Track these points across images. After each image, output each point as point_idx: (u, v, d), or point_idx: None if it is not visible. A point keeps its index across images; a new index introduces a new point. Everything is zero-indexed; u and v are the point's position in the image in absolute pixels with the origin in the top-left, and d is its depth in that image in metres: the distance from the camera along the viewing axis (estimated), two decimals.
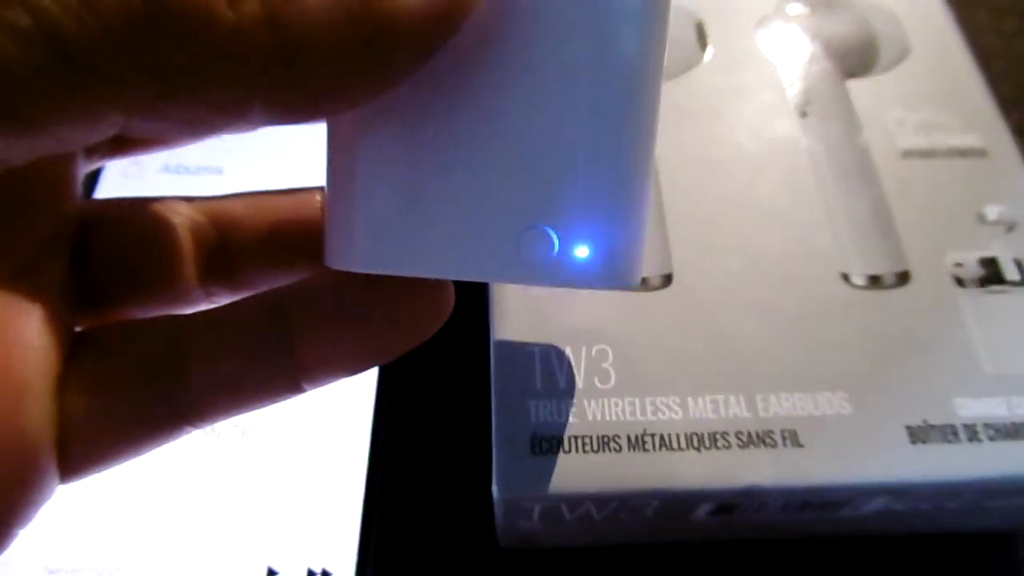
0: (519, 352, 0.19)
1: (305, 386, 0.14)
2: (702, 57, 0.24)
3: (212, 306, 0.15)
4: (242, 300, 0.14)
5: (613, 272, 0.13)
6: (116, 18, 0.09)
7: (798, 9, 0.26)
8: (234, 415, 0.14)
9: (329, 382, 0.14)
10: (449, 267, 0.13)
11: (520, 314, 0.19)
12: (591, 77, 0.12)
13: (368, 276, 0.14)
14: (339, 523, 0.21)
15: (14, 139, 0.10)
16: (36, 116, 0.09)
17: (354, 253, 0.13)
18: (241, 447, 0.22)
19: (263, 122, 0.11)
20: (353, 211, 0.13)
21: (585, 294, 0.19)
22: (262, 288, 0.15)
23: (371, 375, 0.23)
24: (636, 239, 0.13)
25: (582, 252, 0.12)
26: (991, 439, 0.18)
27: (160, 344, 0.14)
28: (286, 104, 0.11)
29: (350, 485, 0.21)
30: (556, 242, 0.12)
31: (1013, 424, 0.18)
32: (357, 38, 0.10)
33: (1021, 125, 0.33)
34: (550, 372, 0.18)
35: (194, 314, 0.14)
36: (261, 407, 0.14)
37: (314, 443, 0.22)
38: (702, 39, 0.25)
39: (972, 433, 0.18)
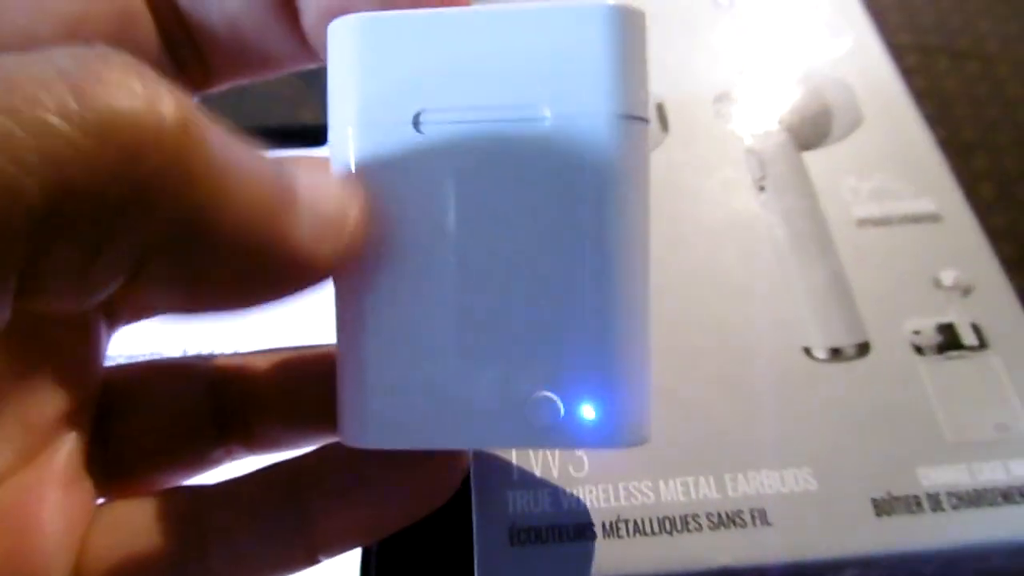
0: None
1: (321, 557, 0.15)
2: (664, 138, 0.25)
3: (232, 462, 0.16)
4: (259, 473, 0.15)
5: (620, 431, 0.13)
6: None
7: (753, 84, 0.27)
8: None
9: (345, 551, 0.15)
10: (460, 438, 0.14)
11: None
12: (577, 250, 0.13)
13: (384, 451, 0.14)
14: None
15: None
16: None
17: (368, 432, 0.14)
18: None
19: (147, 298, 0.12)
20: (364, 393, 0.14)
21: None
22: (283, 446, 0.16)
23: None
24: (640, 397, 0.14)
25: (588, 414, 0.13)
26: (954, 507, 0.18)
27: (179, 523, 0.14)
28: (170, 285, 0.11)
29: None
30: (561, 406, 0.13)
31: (975, 491, 0.19)
32: (255, 257, 0.11)
33: (984, 169, 0.34)
34: (526, 463, 0.19)
35: (212, 488, 0.15)
36: None
37: None
38: (663, 120, 0.26)
39: (936, 503, 0.18)
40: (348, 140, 0.13)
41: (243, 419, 0.16)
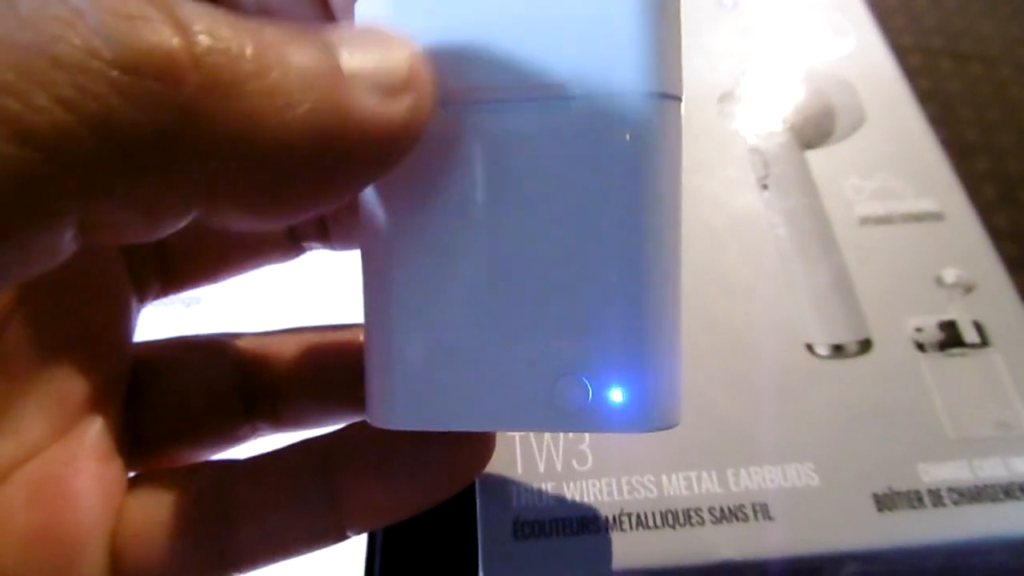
0: (500, 439, 0.20)
1: (350, 533, 0.15)
2: None
3: (258, 438, 0.16)
4: (287, 449, 0.15)
5: (649, 415, 0.13)
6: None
7: (757, 84, 0.27)
8: (279, 561, 0.15)
9: (375, 528, 0.15)
10: (487, 420, 0.13)
11: None
12: (607, 233, 0.13)
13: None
14: None
15: None
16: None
17: (396, 412, 0.14)
18: None
19: (229, 219, 0.11)
20: (392, 374, 0.14)
21: None
22: (310, 424, 0.16)
23: None
24: (670, 380, 0.13)
25: (617, 397, 0.13)
26: (955, 503, 0.18)
27: (208, 497, 0.14)
28: (249, 201, 0.11)
29: None
30: (590, 389, 0.13)
31: (976, 487, 0.19)
32: (327, 147, 0.11)
33: (987, 171, 0.34)
34: (530, 457, 0.19)
35: (240, 463, 0.15)
36: (305, 554, 0.15)
37: None
38: None
39: (936, 498, 0.19)
40: None
41: (270, 397, 0.16)
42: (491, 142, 0.13)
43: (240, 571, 0.14)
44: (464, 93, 0.13)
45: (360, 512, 0.14)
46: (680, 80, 0.13)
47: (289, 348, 0.16)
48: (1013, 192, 0.33)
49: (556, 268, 0.13)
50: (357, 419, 0.16)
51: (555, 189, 0.13)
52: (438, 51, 0.13)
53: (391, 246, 0.13)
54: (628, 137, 0.12)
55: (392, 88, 0.11)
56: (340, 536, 0.15)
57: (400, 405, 0.14)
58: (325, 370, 0.16)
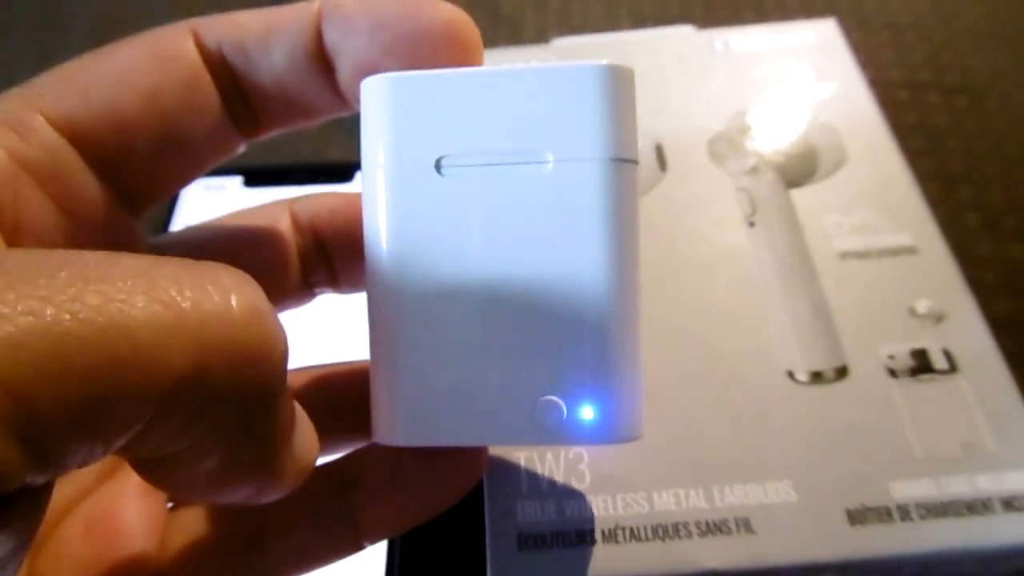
0: (507, 459, 0.22)
1: (365, 543, 0.17)
2: (662, 177, 0.28)
3: None
4: None
5: (615, 430, 0.16)
6: None
7: (745, 126, 0.29)
8: (304, 573, 0.17)
9: (387, 537, 0.17)
10: (479, 435, 0.16)
11: None
12: (578, 274, 0.15)
13: (413, 449, 0.16)
14: None
15: None
16: None
17: (399, 430, 0.16)
18: None
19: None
20: (395, 398, 0.16)
21: None
22: (320, 451, 0.18)
23: None
24: (633, 399, 0.16)
25: (588, 415, 0.15)
26: (922, 518, 0.20)
27: (240, 522, 0.16)
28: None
29: None
30: (564, 408, 0.15)
31: (942, 503, 0.20)
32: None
33: (970, 200, 0.35)
34: (534, 475, 0.21)
35: None
36: (327, 564, 0.17)
37: None
38: (662, 160, 0.28)
39: (905, 513, 0.20)
40: (378, 183, 0.16)
41: None
42: (479, 200, 0.16)
43: None
44: (456, 158, 0.16)
45: (374, 524, 0.16)
46: (636, 147, 0.16)
47: (299, 382, 0.18)
48: (995, 221, 0.34)
49: (535, 304, 0.15)
50: (363, 444, 0.18)
51: (534, 238, 0.15)
52: (433, 122, 0.16)
53: (394, 288, 0.16)
54: (593, 193, 0.15)
55: (303, 463, 0.14)
56: (357, 547, 0.17)
57: (403, 424, 0.16)
58: (334, 400, 0.18)
